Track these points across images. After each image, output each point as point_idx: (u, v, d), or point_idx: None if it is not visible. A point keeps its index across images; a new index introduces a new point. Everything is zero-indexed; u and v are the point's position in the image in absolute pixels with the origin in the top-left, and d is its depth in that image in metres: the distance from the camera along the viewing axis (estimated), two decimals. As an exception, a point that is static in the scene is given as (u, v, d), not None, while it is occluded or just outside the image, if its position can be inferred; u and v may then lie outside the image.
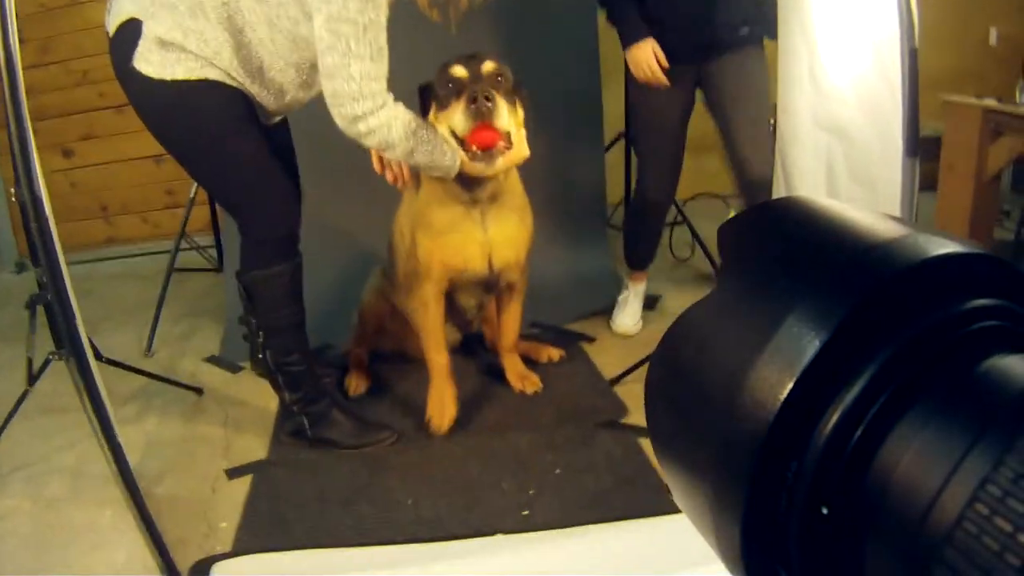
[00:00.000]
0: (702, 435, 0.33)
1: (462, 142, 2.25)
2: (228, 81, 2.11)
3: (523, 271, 2.65)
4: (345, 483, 2.23)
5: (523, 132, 2.40)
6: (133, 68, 2.07)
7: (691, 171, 5.02)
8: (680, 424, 0.35)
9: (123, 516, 1.92)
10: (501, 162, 2.29)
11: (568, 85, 3.75)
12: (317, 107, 3.43)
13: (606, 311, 3.33)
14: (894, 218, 0.34)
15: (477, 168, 2.27)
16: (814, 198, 0.38)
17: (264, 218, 2.29)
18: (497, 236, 2.47)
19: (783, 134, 2.61)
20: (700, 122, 5.02)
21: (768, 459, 0.30)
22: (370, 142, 2.15)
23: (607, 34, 4.09)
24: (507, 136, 2.28)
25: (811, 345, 0.30)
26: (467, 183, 2.35)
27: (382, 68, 2.07)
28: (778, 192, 2.71)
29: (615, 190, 4.27)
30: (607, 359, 2.91)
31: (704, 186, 4.80)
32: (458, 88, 2.26)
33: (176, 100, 2.08)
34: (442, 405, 2.50)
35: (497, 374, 2.80)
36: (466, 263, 2.47)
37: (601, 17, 3.80)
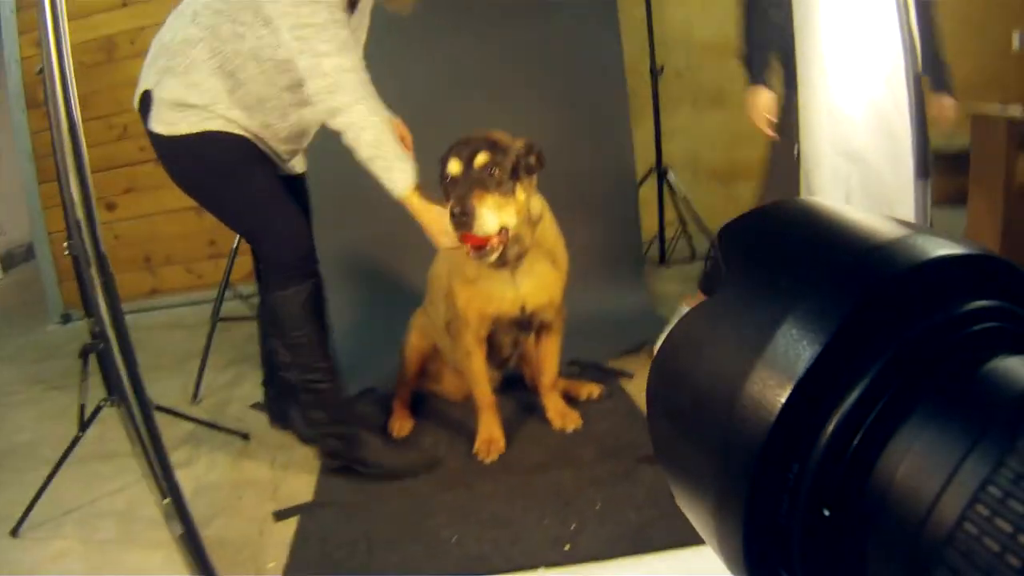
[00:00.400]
0: (703, 438, 0.33)
1: None
2: (230, 128, 2.31)
3: (559, 310, 2.69)
4: (391, 523, 2.26)
5: (532, 199, 2.47)
6: (151, 131, 2.33)
7: (723, 200, 5.06)
8: (681, 427, 0.35)
9: (173, 558, 1.94)
10: (495, 254, 2.33)
11: (597, 121, 3.80)
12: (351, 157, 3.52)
13: (643, 347, 3.34)
14: (894, 219, 0.34)
15: (475, 258, 2.35)
16: (814, 200, 0.38)
17: (279, 243, 2.43)
18: (527, 286, 2.55)
19: (807, 159, 2.65)
20: (730, 152, 5.08)
21: (769, 461, 0.31)
22: (344, 138, 2.26)
23: (637, 65, 4.16)
24: (495, 231, 2.30)
25: (812, 347, 0.30)
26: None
27: (351, 59, 2.21)
28: None
29: (650, 224, 4.29)
30: (645, 395, 2.90)
31: (736, 214, 4.77)
32: (452, 186, 2.33)
33: (185, 152, 2.33)
34: (490, 438, 2.60)
35: (537, 413, 2.83)
36: (499, 310, 2.56)
37: (627, 49, 3.85)
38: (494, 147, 2.36)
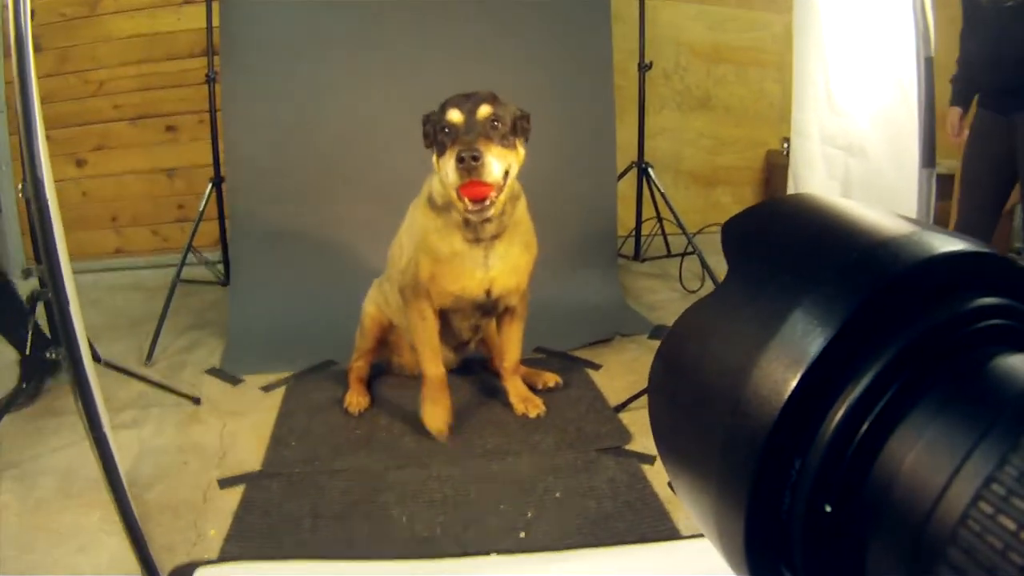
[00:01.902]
0: (706, 432, 0.33)
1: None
2: None
3: (524, 295, 2.63)
4: (339, 498, 2.18)
5: (520, 159, 2.40)
6: None
7: (702, 203, 5.05)
8: (684, 420, 0.35)
9: (111, 519, 1.88)
10: (493, 210, 2.30)
11: (582, 113, 3.77)
12: (325, 132, 3.46)
13: (612, 339, 3.29)
14: (900, 216, 0.34)
15: (470, 217, 2.31)
16: (818, 195, 0.38)
17: None
18: (498, 268, 2.48)
19: (796, 156, 2.62)
20: (713, 156, 5.06)
21: (772, 456, 0.30)
22: None
23: (624, 63, 4.12)
24: (500, 181, 2.28)
25: (816, 342, 0.30)
26: (471, 224, 2.38)
27: None
28: None
29: (626, 219, 4.25)
30: (612, 386, 2.86)
31: (714, 217, 4.79)
32: (453, 135, 2.28)
33: None
34: (436, 414, 2.52)
35: (499, 397, 2.76)
36: (463, 291, 2.48)
37: (616, 45, 3.83)
38: (495, 100, 2.34)
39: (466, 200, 2.25)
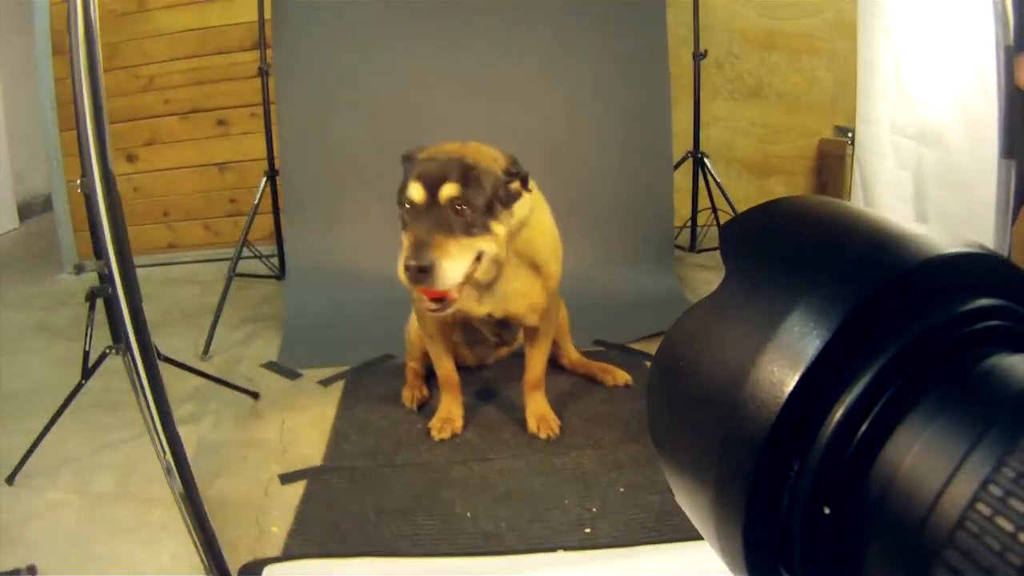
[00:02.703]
0: (704, 434, 0.33)
1: None
2: None
3: (546, 313, 2.41)
4: (402, 494, 2.16)
5: (500, 240, 2.10)
6: None
7: (755, 193, 4.98)
8: (682, 422, 0.35)
9: (171, 515, 1.89)
10: (457, 305, 2.08)
11: (637, 102, 3.73)
12: (380, 123, 3.44)
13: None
14: (896, 218, 0.34)
15: (431, 313, 2.11)
16: (817, 197, 0.38)
17: None
18: (499, 296, 2.28)
19: (863, 144, 2.55)
20: (766, 146, 4.99)
21: (770, 458, 0.30)
22: None
23: (676, 50, 4.06)
24: (460, 283, 2.03)
25: (813, 344, 0.30)
26: None
27: None
28: (856, 202, 2.63)
29: (683, 210, 4.20)
30: (673, 380, 2.81)
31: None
32: (413, 216, 2.03)
33: None
34: (447, 417, 2.49)
35: (559, 388, 2.73)
36: (464, 311, 2.30)
37: (674, 32, 3.76)
38: (467, 176, 2.03)
39: (424, 298, 2.05)
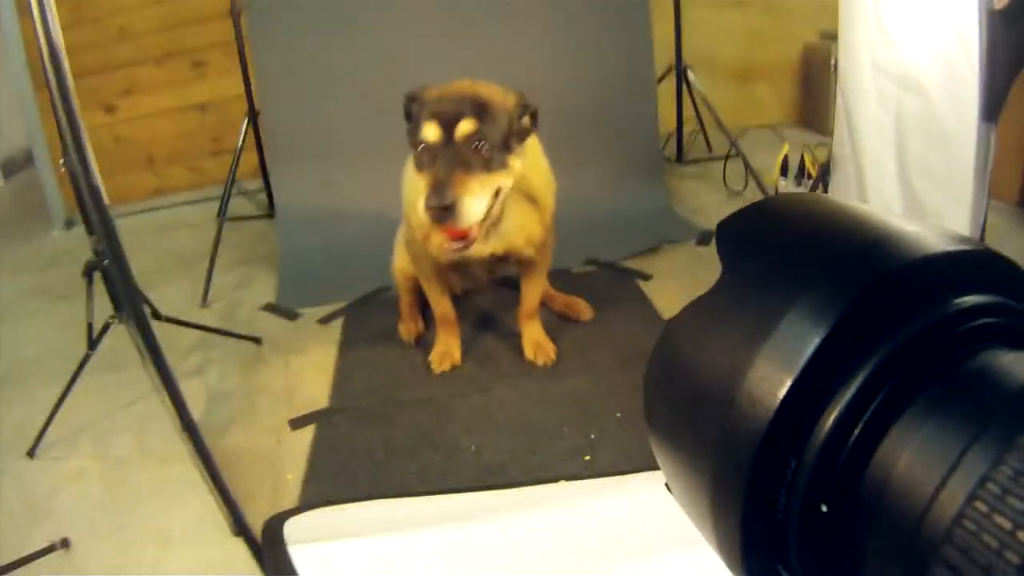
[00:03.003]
0: (701, 432, 0.33)
1: None
2: None
3: (542, 245, 2.43)
4: (408, 431, 2.24)
5: (516, 174, 2.14)
6: None
7: (741, 99, 4.96)
8: (679, 421, 0.36)
9: (189, 472, 1.95)
10: (478, 241, 2.11)
11: (617, 15, 3.68)
12: (359, 55, 3.41)
13: (661, 246, 3.29)
14: (892, 214, 0.34)
15: (453, 252, 2.11)
16: (811, 195, 0.39)
17: None
18: (501, 232, 2.30)
19: (844, 77, 2.50)
20: (749, 52, 4.95)
21: (767, 456, 0.31)
22: None
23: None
24: (483, 218, 2.06)
25: (810, 342, 0.30)
26: None
27: None
28: (840, 140, 2.61)
29: (668, 122, 4.21)
30: (663, 297, 2.87)
31: (754, 115, 4.72)
32: (429, 156, 2.02)
33: None
34: (445, 351, 2.55)
35: (553, 315, 2.80)
36: (471, 254, 2.29)
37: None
38: (482, 112, 2.03)
39: (440, 239, 2.08)
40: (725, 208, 3.69)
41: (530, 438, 2.17)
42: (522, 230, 2.33)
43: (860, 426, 0.30)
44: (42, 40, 1.67)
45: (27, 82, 4.21)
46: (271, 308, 3.10)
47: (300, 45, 3.51)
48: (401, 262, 2.68)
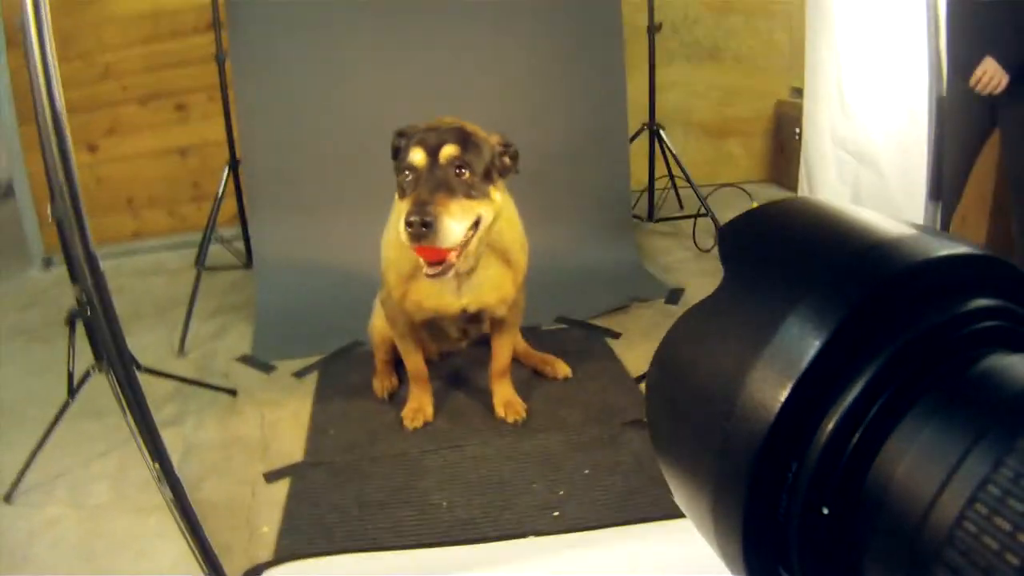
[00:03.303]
0: (702, 435, 0.33)
1: None
2: None
3: (513, 305, 2.50)
4: (381, 485, 2.27)
5: (497, 207, 2.20)
6: None
7: (713, 155, 5.07)
8: (680, 424, 0.35)
9: (166, 522, 1.95)
10: (455, 270, 2.12)
11: (592, 74, 3.78)
12: (343, 106, 3.46)
13: (631, 304, 3.36)
14: (893, 218, 0.34)
15: (428, 277, 2.12)
16: (814, 199, 0.38)
17: None
18: (475, 290, 2.36)
19: (808, 149, 2.60)
20: (723, 108, 5.07)
21: (768, 459, 0.31)
22: None
23: (631, 17, 4.11)
24: (461, 242, 2.09)
25: (811, 345, 0.30)
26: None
27: None
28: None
29: (640, 179, 4.30)
30: (632, 355, 2.94)
31: (726, 171, 4.82)
32: (414, 180, 2.08)
33: None
34: (418, 407, 2.60)
35: (524, 374, 2.85)
36: (437, 308, 2.39)
37: (625, 2, 3.78)
38: (466, 141, 2.11)
39: (422, 260, 2.08)
40: (695, 266, 3.78)
41: (501, 494, 2.21)
42: (495, 289, 2.39)
43: (861, 429, 0.30)
44: (40, 81, 1.71)
45: (11, 115, 4.23)
46: (247, 360, 3.12)
47: (285, 94, 3.56)
48: (379, 321, 2.72)
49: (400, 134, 2.23)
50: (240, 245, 4.04)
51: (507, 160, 2.24)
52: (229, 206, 3.95)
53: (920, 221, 2.13)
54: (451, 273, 2.12)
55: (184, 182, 4.61)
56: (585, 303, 3.34)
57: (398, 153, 2.22)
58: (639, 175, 4.28)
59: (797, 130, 2.91)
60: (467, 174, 2.09)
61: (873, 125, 2.31)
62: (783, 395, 0.30)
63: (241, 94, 3.59)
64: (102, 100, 4.43)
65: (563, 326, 3.24)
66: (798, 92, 4.81)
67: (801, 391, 0.30)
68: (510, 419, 2.57)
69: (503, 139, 2.24)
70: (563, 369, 2.84)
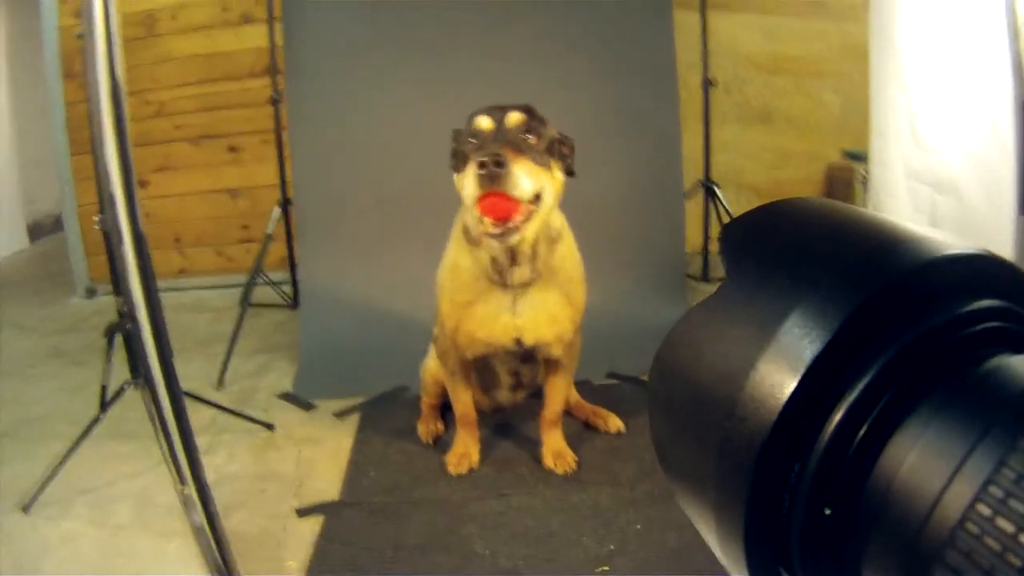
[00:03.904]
0: (704, 436, 0.33)
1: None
2: None
3: (570, 346, 2.40)
4: (421, 530, 2.16)
5: (557, 187, 2.14)
6: None
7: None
8: (682, 425, 0.35)
9: (189, 548, 1.90)
10: (519, 236, 2.02)
11: (646, 129, 3.73)
12: (396, 150, 3.44)
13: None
14: (895, 220, 0.34)
15: (491, 245, 2.07)
16: (817, 199, 0.38)
17: None
18: (529, 316, 2.26)
19: (877, 186, 2.55)
20: (774, 171, 5.00)
21: (770, 460, 0.30)
22: None
23: (683, 75, 4.08)
24: (532, 201, 2.02)
25: (813, 345, 0.30)
26: (498, 267, 2.17)
27: None
28: None
29: (693, 239, 4.21)
30: (687, 412, 2.81)
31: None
32: (478, 144, 2.02)
33: None
34: (464, 452, 2.48)
35: (578, 424, 2.74)
36: (490, 336, 2.29)
37: (680, 57, 3.75)
38: (532, 112, 2.08)
39: (487, 220, 1.97)
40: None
41: (547, 545, 2.09)
42: (552, 322, 2.29)
43: (864, 430, 0.30)
44: (102, 62, 1.67)
45: (64, 146, 4.27)
46: (287, 397, 3.04)
47: (338, 138, 3.55)
48: (432, 362, 2.63)
49: (458, 132, 2.18)
50: (288, 288, 3.99)
51: (565, 149, 2.17)
52: (278, 250, 3.93)
53: (1008, 237, 2.04)
54: (515, 238, 2.01)
55: (233, 224, 4.60)
56: (637, 360, 3.22)
57: (455, 153, 2.16)
58: (692, 237, 4.20)
59: (862, 175, 2.82)
60: (533, 139, 2.04)
61: (951, 149, 2.24)
62: (785, 395, 0.30)
63: (295, 136, 3.58)
64: (155, 137, 4.46)
65: (615, 382, 3.11)
66: (850, 155, 4.75)
67: (804, 391, 0.30)
68: (560, 470, 2.45)
69: (559, 132, 2.18)
70: (616, 423, 2.72)
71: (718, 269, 4.18)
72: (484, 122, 2.05)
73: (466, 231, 2.21)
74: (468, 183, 1.95)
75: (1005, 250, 2.08)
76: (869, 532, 0.29)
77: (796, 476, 0.30)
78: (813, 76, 4.97)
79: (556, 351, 2.37)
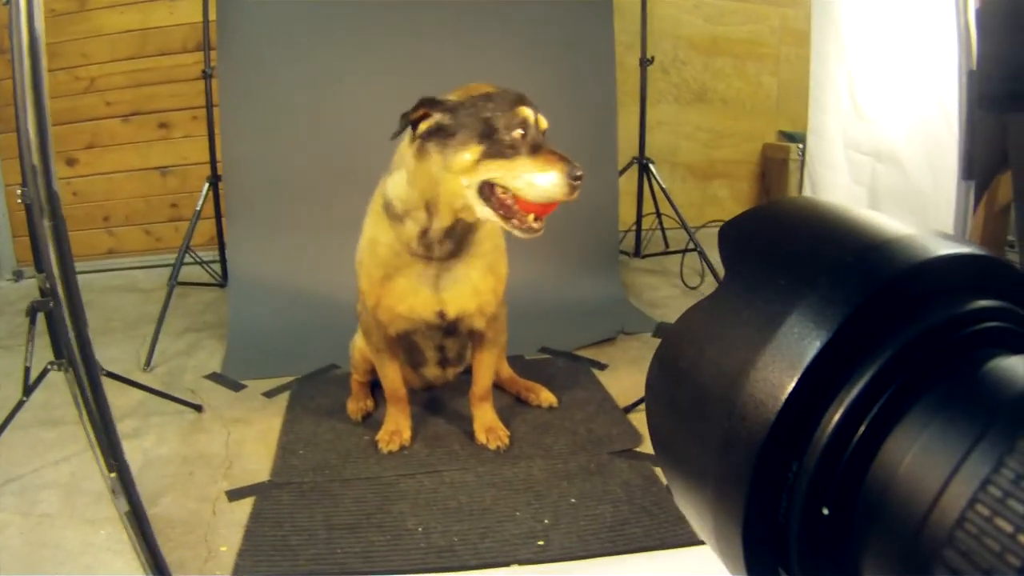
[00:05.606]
0: (703, 435, 0.33)
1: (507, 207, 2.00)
2: None
3: (493, 319, 2.39)
4: (352, 509, 2.14)
5: None
6: None
7: (699, 197, 5.04)
8: (681, 424, 0.35)
9: (118, 536, 1.85)
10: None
11: (584, 108, 3.72)
12: (326, 129, 3.40)
13: (616, 337, 3.27)
14: (894, 219, 0.34)
15: (526, 235, 2.05)
16: (815, 198, 0.38)
17: None
18: (452, 290, 2.25)
19: (814, 157, 2.59)
20: (710, 150, 5.04)
21: (769, 459, 0.30)
22: None
23: (621, 56, 4.09)
24: None
25: (812, 345, 0.30)
26: (426, 241, 2.15)
27: None
28: None
29: (627, 215, 4.22)
30: (620, 386, 2.83)
31: (712, 212, 4.79)
32: (523, 137, 1.98)
33: None
34: (395, 429, 2.47)
35: (507, 399, 2.74)
36: (411, 311, 2.27)
37: (619, 38, 3.77)
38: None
39: (530, 218, 2.00)
40: (682, 302, 3.69)
41: (481, 521, 2.08)
42: (475, 294, 2.28)
43: (862, 429, 0.30)
44: (26, 66, 1.61)
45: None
46: (216, 377, 2.99)
47: (270, 116, 3.50)
48: (360, 340, 2.60)
49: (430, 101, 2.05)
50: (217, 267, 3.92)
51: None
52: (207, 228, 3.87)
53: (948, 206, 2.08)
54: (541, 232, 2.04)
55: (162, 202, 4.51)
56: (570, 335, 3.24)
57: (416, 124, 2.07)
58: (625, 213, 4.22)
59: (800, 148, 2.87)
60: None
61: (891, 119, 2.28)
62: (784, 395, 0.30)
63: (226, 113, 3.51)
64: (84, 114, 4.36)
65: (547, 356, 3.12)
66: (785, 136, 4.82)
67: (802, 390, 0.30)
68: (492, 445, 2.44)
69: None
70: (548, 397, 2.72)
71: (651, 245, 4.24)
72: (530, 113, 2.01)
73: (387, 206, 2.17)
74: (549, 183, 1.95)
75: (946, 216, 2.11)
76: (867, 532, 0.30)
77: (794, 476, 0.31)
78: (752, 59, 5.04)
79: (479, 323, 2.36)
